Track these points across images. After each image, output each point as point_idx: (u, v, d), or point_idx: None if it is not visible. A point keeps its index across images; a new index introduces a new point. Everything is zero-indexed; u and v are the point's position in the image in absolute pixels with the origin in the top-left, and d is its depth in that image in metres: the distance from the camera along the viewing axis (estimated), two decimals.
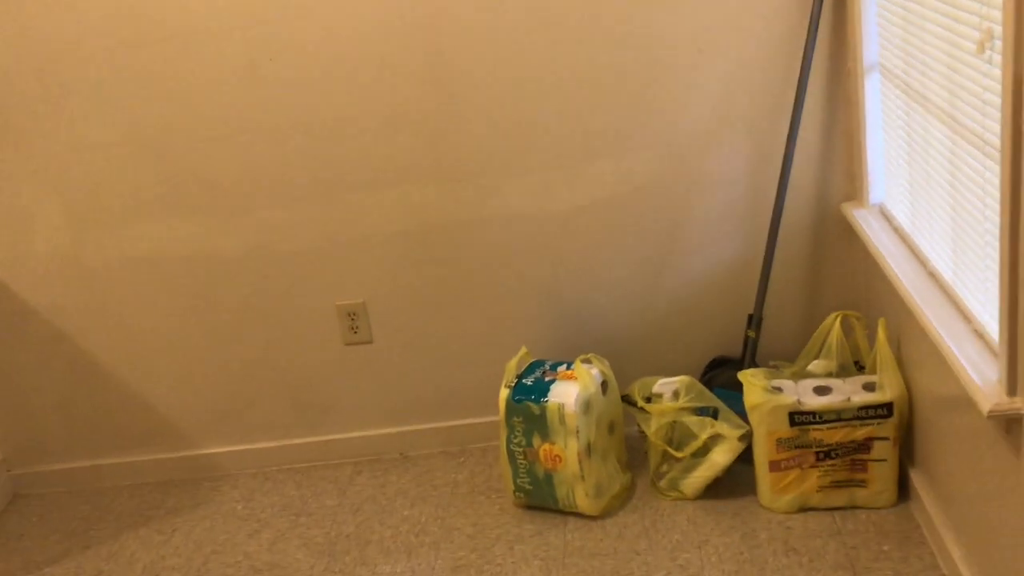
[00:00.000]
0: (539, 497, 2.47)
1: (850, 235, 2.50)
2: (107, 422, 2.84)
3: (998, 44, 1.51)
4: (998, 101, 1.54)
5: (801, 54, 2.38)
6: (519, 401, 2.40)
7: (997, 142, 1.58)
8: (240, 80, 2.48)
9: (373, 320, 2.72)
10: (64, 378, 2.80)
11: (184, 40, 2.45)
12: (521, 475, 2.46)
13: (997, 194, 1.60)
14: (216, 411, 2.82)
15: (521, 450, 2.43)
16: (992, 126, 1.62)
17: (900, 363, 2.26)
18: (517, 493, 2.49)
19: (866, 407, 2.24)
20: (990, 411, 1.60)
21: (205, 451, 2.86)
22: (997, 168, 1.59)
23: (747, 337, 2.56)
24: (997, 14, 1.52)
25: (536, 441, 2.41)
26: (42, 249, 2.66)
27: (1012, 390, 1.60)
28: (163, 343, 2.75)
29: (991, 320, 1.73)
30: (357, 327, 2.72)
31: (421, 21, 2.41)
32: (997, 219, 1.59)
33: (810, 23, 2.35)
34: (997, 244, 1.60)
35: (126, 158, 2.56)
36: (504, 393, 2.43)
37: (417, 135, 2.52)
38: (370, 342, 2.74)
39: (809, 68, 2.38)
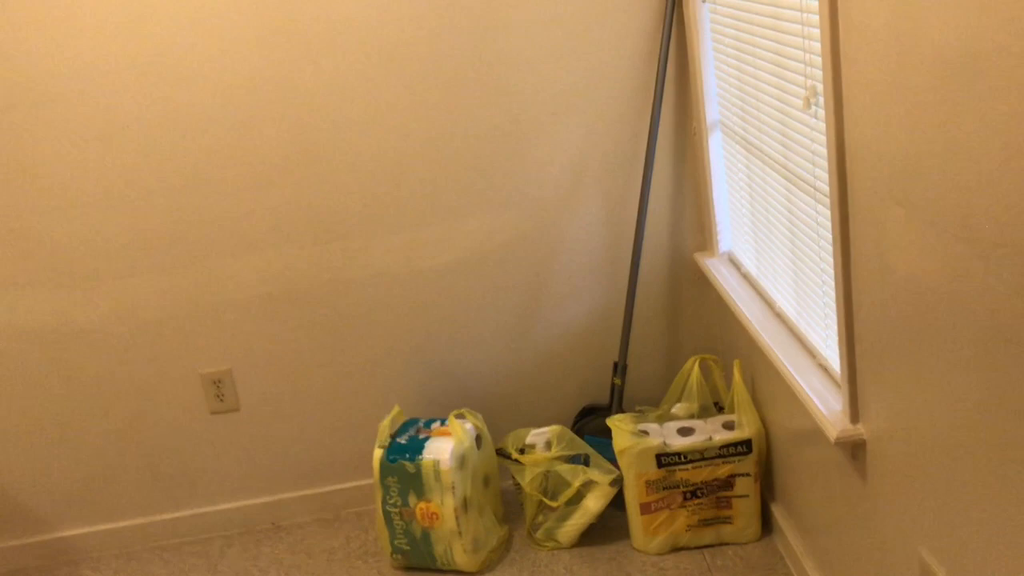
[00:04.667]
0: (417, 557, 2.45)
1: (704, 283, 2.64)
2: None
3: (821, 100, 1.66)
4: (825, 151, 1.68)
5: (650, 114, 2.53)
6: (393, 461, 2.40)
7: (827, 188, 1.72)
8: (92, 143, 2.42)
9: (240, 387, 2.66)
10: None
11: (32, 105, 2.38)
12: (398, 536, 2.44)
13: (830, 236, 1.74)
14: (72, 491, 2.68)
15: (397, 510, 2.41)
16: (821, 174, 1.76)
17: (756, 402, 2.38)
18: (395, 555, 2.47)
19: (726, 445, 2.34)
20: (836, 438, 1.72)
21: (61, 534, 2.71)
22: (828, 212, 1.73)
23: (613, 385, 2.64)
24: (819, 73, 1.67)
25: (412, 500, 2.40)
26: None
27: (855, 418, 1.72)
28: (13, 420, 2.61)
29: (833, 354, 1.86)
30: (223, 395, 2.66)
31: (283, 79, 2.43)
32: (831, 259, 1.73)
33: (656, 86, 2.49)
34: (832, 283, 1.73)
35: None
36: (378, 454, 2.42)
37: (280, 196, 2.52)
38: (237, 410, 2.68)
39: (657, 128, 2.52)
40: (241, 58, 2.40)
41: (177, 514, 2.73)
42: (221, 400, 2.67)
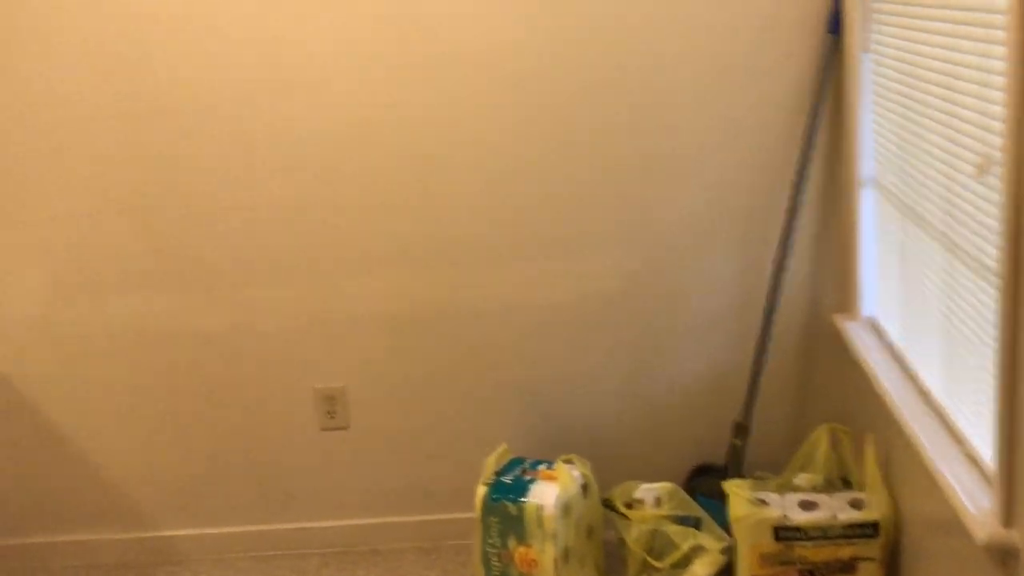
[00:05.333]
0: None
1: (841, 347, 2.47)
2: (66, 498, 2.73)
3: (998, 169, 1.51)
4: (996, 225, 1.53)
5: (796, 165, 2.40)
6: (496, 500, 2.33)
7: (994, 266, 1.57)
8: (233, 159, 2.47)
9: (352, 406, 2.65)
10: (24, 448, 2.70)
11: (181, 116, 2.44)
12: None
13: (992, 317, 1.58)
14: (179, 491, 2.72)
15: (496, 551, 2.34)
16: (989, 250, 1.60)
17: (888, 481, 2.21)
18: None
19: (852, 525, 2.17)
20: (987, 542, 1.55)
21: (165, 533, 2.75)
22: (993, 292, 1.58)
23: (732, 445, 2.51)
24: (996, 140, 1.52)
25: (512, 543, 2.32)
26: (16, 315, 2.59)
27: (1008, 521, 1.55)
28: (129, 418, 2.67)
29: (984, 445, 1.69)
30: (334, 412, 2.66)
31: (419, 105, 2.42)
32: (993, 343, 1.57)
33: (806, 135, 2.36)
34: (992, 369, 1.57)
35: (112, 229, 2.53)
36: (481, 491, 2.36)
37: (407, 220, 2.50)
38: (346, 428, 2.67)
39: (804, 179, 2.39)
40: (377, 84, 2.41)
41: (277, 526, 2.74)
42: (332, 417, 2.66)
